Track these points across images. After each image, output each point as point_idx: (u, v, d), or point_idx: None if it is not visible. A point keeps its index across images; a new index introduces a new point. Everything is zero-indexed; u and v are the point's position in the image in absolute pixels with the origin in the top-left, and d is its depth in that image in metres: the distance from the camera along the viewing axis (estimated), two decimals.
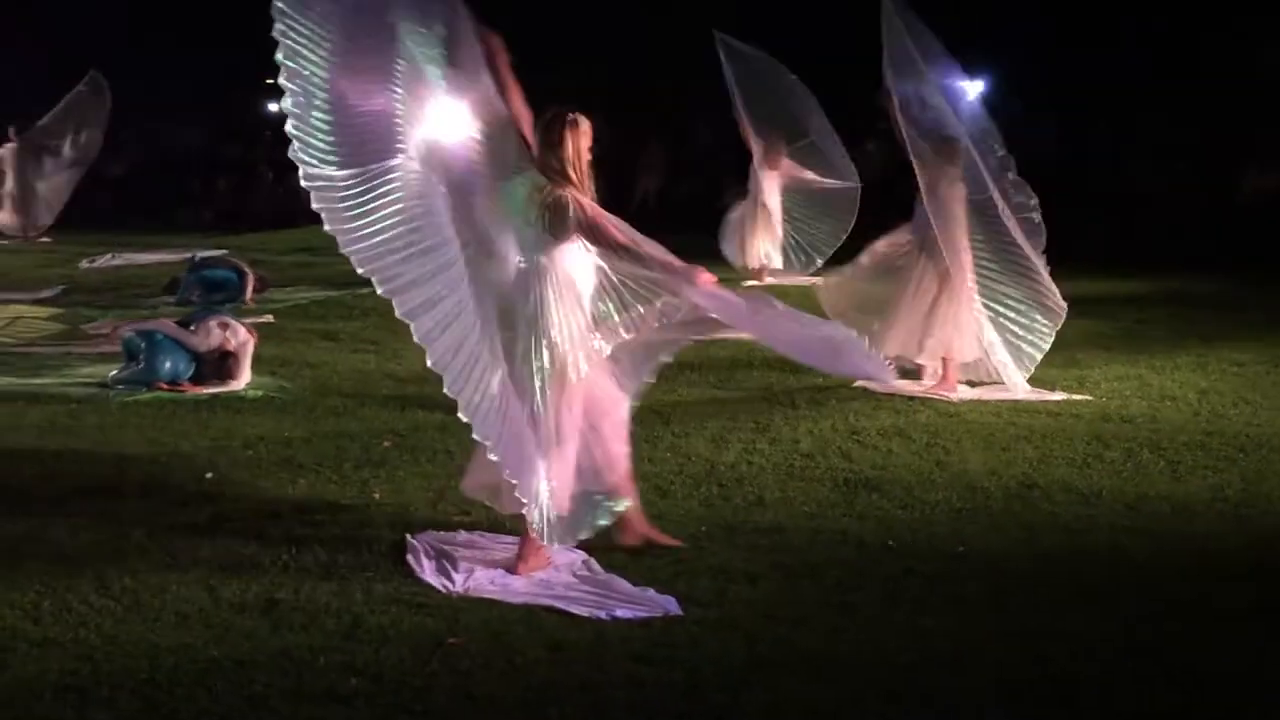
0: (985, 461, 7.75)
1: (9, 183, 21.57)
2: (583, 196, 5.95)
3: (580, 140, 5.99)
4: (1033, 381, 9.77)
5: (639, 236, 6.02)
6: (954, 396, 9.46)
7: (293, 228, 23.16)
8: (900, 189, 10.22)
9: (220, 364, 9.95)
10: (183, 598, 5.60)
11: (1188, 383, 9.97)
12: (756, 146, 16.44)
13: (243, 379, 10.00)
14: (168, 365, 9.89)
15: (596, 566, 5.99)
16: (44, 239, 21.51)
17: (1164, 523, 6.69)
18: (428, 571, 5.92)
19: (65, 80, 22.89)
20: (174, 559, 6.06)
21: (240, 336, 10.14)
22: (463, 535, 6.43)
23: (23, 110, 21.98)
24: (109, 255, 18.81)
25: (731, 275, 16.12)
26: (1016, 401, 9.30)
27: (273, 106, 32.75)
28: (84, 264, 18.38)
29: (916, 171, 9.55)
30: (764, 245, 16.57)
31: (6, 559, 6.02)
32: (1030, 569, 6.01)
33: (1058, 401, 9.31)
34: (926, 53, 9.79)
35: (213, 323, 10.19)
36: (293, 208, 24.69)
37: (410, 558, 6.06)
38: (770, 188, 16.44)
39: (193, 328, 10.14)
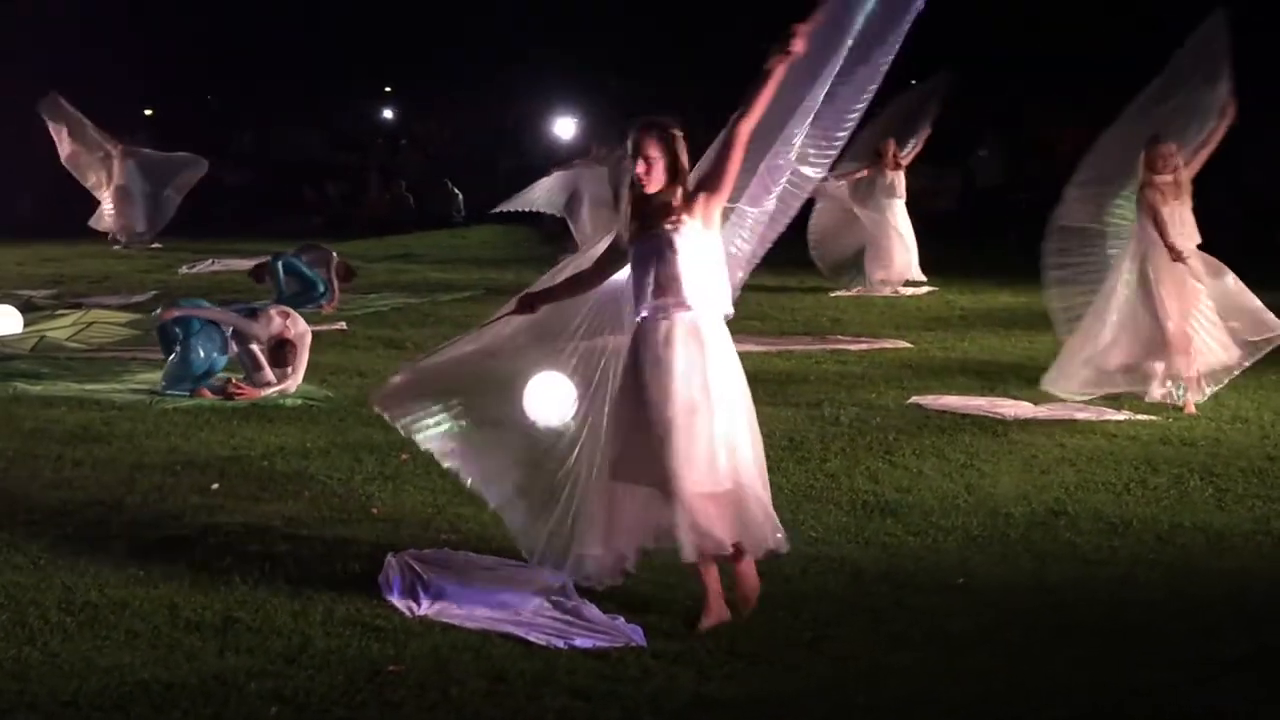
0: (1018, 485, 7.34)
1: (119, 188, 21.95)
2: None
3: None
4: (1097, 400, 9.29)
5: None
6: (1008, 414, 9.02)
7: (398, 234, 23.41)
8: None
9: (278, 351, 9.91)
10: (141, 615, 5.49)
11: (1266, 404, 9.37)
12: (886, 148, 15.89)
13: (299, 372, 9.99)
14: (202, 354, 9.94)
15: (572, 592, 5.73)
16: (155, 244, 21.87)
17: (1193, 556, 6.24)
18: (396, 592, 5.74)
19: (184, 86, 23.46)
20: (148, 573, 5.96)
21: (300, 327, 10.14)
22: (447, 554, 6.24)
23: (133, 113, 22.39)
24: (209, 260, 19.03)
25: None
26: (1074, 421, 8.84)
27: (386, 114, 33.40)
28: (184, 269, 18.63)
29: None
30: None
31: None
32: (1030, 604, 5.62)
33: (1118, 421, 8.82)
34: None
35: (274, 311, 10.21)
36: (400, 214, 25.01)
37: (382, 577, 5.88)
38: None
39: (255, 313, 10.14)
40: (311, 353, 10.41)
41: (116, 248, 21.68)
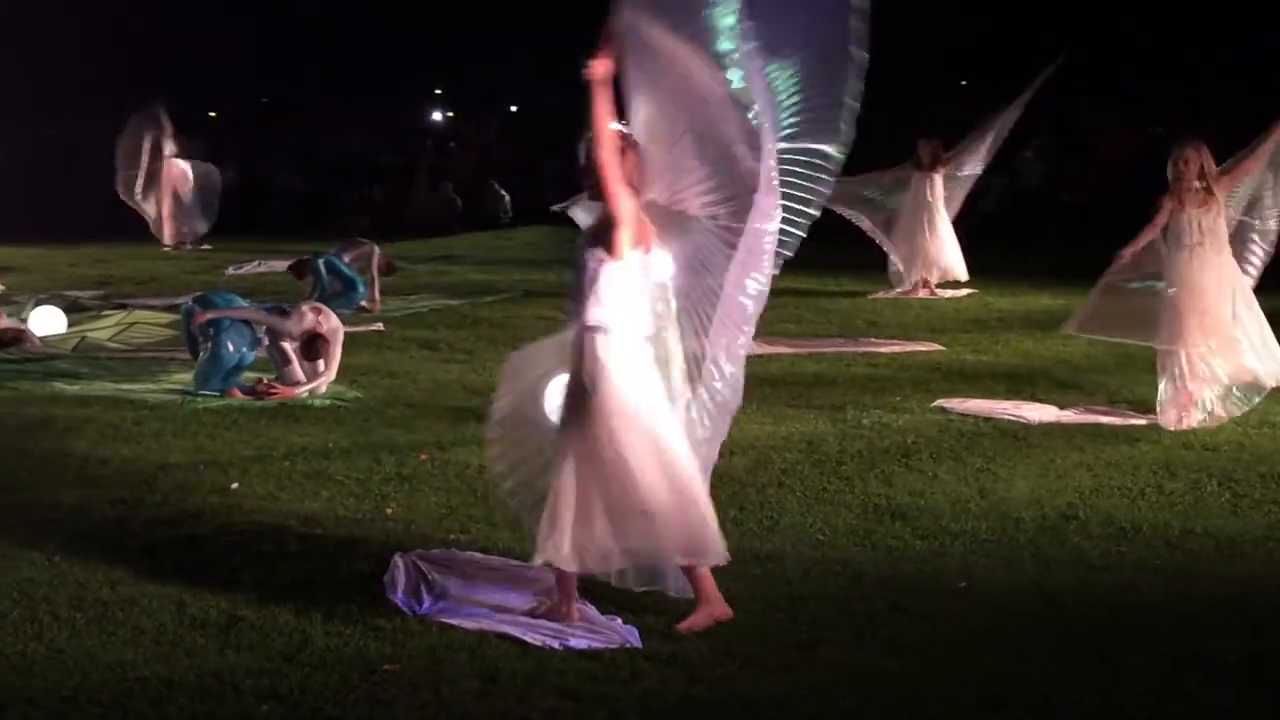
0: (1032, 490, 7.31)
1: (168, 193, 22.24)
2: None
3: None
4: (1126, 403, 9.24)
5: None
6: (1033, 418, 8.98)
7: (444, 235, 23.55)
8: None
9: (310, 346, 10.01)
10: (150, 611, 5.59)
11: None
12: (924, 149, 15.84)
13: (331, 370, 10.10)
14: (231, 348, 10.06)
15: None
16: (205, 245, 22.12)
17: (1200, 561, 6.20)
18: (399, 592, 5.79)
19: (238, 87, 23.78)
20: (160, 571, 6.06)
21: (332, 323, 10.25)
22: (453, 554, 6.30)
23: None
24: (255, 261, 19.23)
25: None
26: (1098, 425, 8.79)
27: (435, 115, 33.62)
28: (229, 270, 18.84)
29: None
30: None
31: (1, 564, 6.10)
32: (1029, 609, 5.61)
33: (1142, 426, 8.76)
34: None
35: (306, 307, 10.35)
36: (446, 215, 25.16)
37: (388, 577, 5.94)
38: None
39: (287, 310, 10.27)
40: (345, 353, 10.53)
41: (166, 249, 21.96)
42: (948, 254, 15.61)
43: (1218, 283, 8.87)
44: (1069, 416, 9.03)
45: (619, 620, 5.48)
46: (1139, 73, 20.68)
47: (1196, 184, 8.78)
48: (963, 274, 15.72)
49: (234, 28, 31.24)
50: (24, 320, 13.01)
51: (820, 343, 12.36)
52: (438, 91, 31.49)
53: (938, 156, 15.69)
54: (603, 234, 5.40)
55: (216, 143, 29.14)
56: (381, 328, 13.44)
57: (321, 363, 10.13)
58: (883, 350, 11.96)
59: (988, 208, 22.29)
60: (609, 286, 5.38)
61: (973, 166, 16.10)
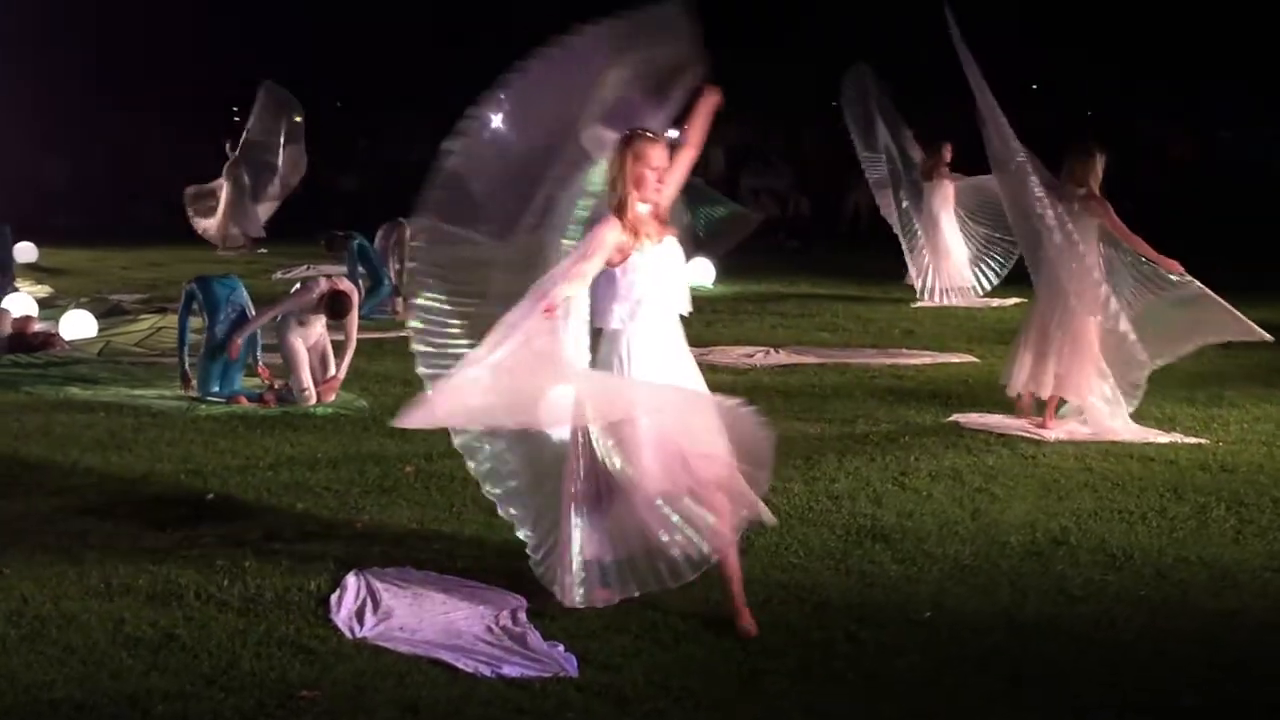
0: (1028, 512, 6.99)
1: (224, 195, 22.35)
2: (600, 227, 5.49)
3: (627, 160, 5.46)
4: (1149, 420, 8.86)
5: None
6: (1050, 435, 8.63)
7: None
8: None
9: (335, 304, 9.95)
10: (86, 629, 5.46)
11: None
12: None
13: (342, 368, 10.06)
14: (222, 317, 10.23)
15: (522, 618, 5.58)
16: (261, 250, 22.18)
17: (1187, 593, 5.86)
18: (342, 612, 5.65)
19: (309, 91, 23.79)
20: (108, 586, 5.94)
21: (346, 285, 10.24)
22: (409, 572, 6.13)
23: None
24: (304, 266, 19.22)
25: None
26: (1115, 443, 8.42)
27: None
28: (277, 274, 18.84)
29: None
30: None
31: None
32: (990, 642, 5.31)
33: (1162, 444, 8.39)
34: None
35: (319, 276, 10.44)
36: None
37: (335, 596, 5.79)
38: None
39: (300, 288, 10.24)
40: (362, 358, 10.44)
41: (221, 253, 22.05)
42: (952, 262, 15.28)
43: None
44: (1087, 432, 8.66)
45: (561, 647, 5.26)
46: (1201, 77, 20.17)
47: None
48: (968, 281, 15.39)
49: (306, 32, 31.43)
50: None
51: (849, 353, 12.05)
52: (501, 97, 31.44)
53: (936, 164, 15.39)
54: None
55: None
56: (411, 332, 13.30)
57: (332, 364, 10.04)
58: (912, 362, 11.65)
59: None
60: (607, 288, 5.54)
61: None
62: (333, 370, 10.06)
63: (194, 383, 10.14)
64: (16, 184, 26.78)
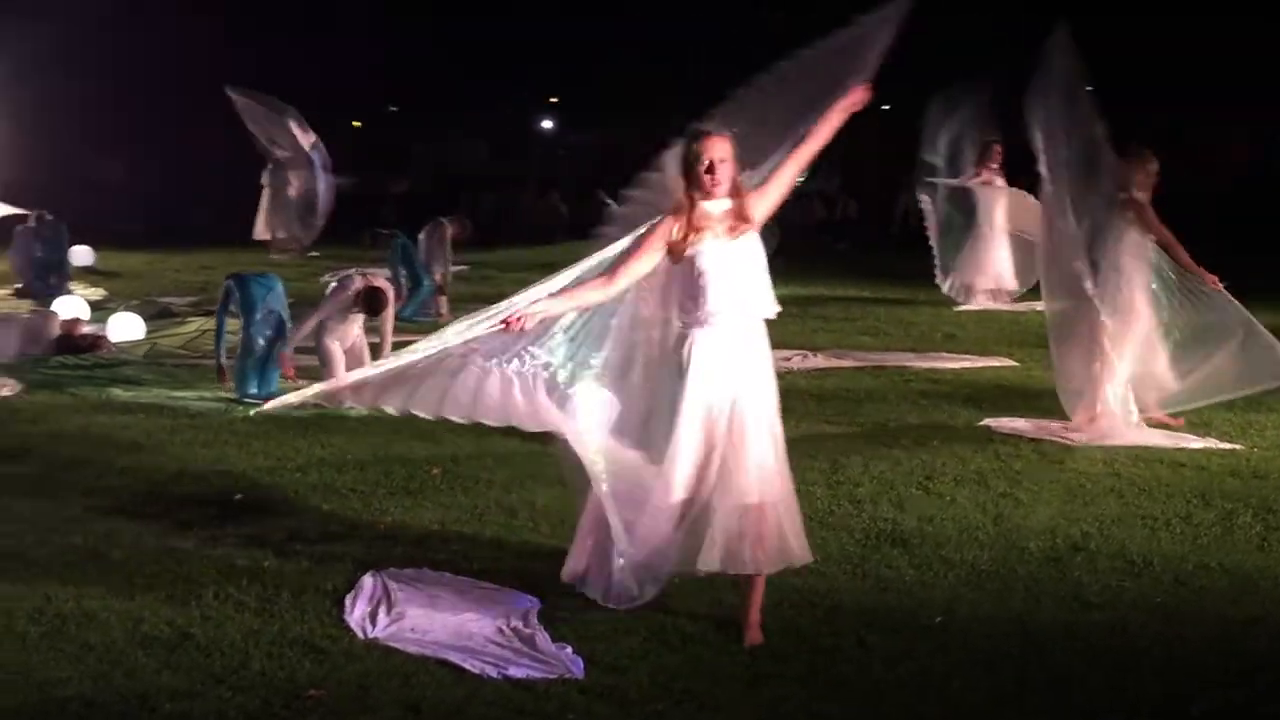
0: (1051, 517, 6.94)
1: (264, 200, 22.54)
2: (656, 223, 5.48)
3: (686, 156, 5.42)
4: (1184, 426, 8.78)
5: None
6: (1078, 438, 8.56)
7: (548, 244, 23.49)
8: None
9: (371, 300, 10.06)
10: (104, 627, 5.54)
11: None
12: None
13: (387, 329, 10.24)
14: (261, 342, 10.35)
15: (534, 619, 5.61)
16: (311, 253, 22.35)
17: (1207, 600, 5.80)
18: (356, 612, 5.69)
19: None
20: (130, 585, 6.02)
21: (381, 282, 10.38)
22: (425, 573, 6.18)
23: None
24: (352, 269, 19.29)
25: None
26: (1146, 447, 8.34)
27: (545, 124, 33.68)
28: (325, 278, 18.94)
29: None
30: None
31: None
32: (1001, 648, 5.27)
33: (1195, 450, 8.30)
34: None
35: (354, 272, 10.54)
36: (553, 223, 25.13)
37: (350, 596, 5.84)
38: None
39: (336, 288, 10.36)
40: None
41: (273, 256, 22.23)
42: (997, 263, 15.18)
43: None
44: (1118, 437, 8.57)
45: (569, 649, 5.28)
46: (1257, 83, 19.93)
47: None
48: (1010, 284, 15.29)
49: (362, 35, 31.72)
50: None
51: (887, 357, 12.00)
52: (553, 100, 31.64)
53: (984, 163, 15.28)
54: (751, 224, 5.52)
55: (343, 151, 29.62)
56: None
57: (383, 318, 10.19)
58: (950, 366, 11.59)
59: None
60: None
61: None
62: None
63: (229, 379, 10.28)
64: (77, 187, 27.26)
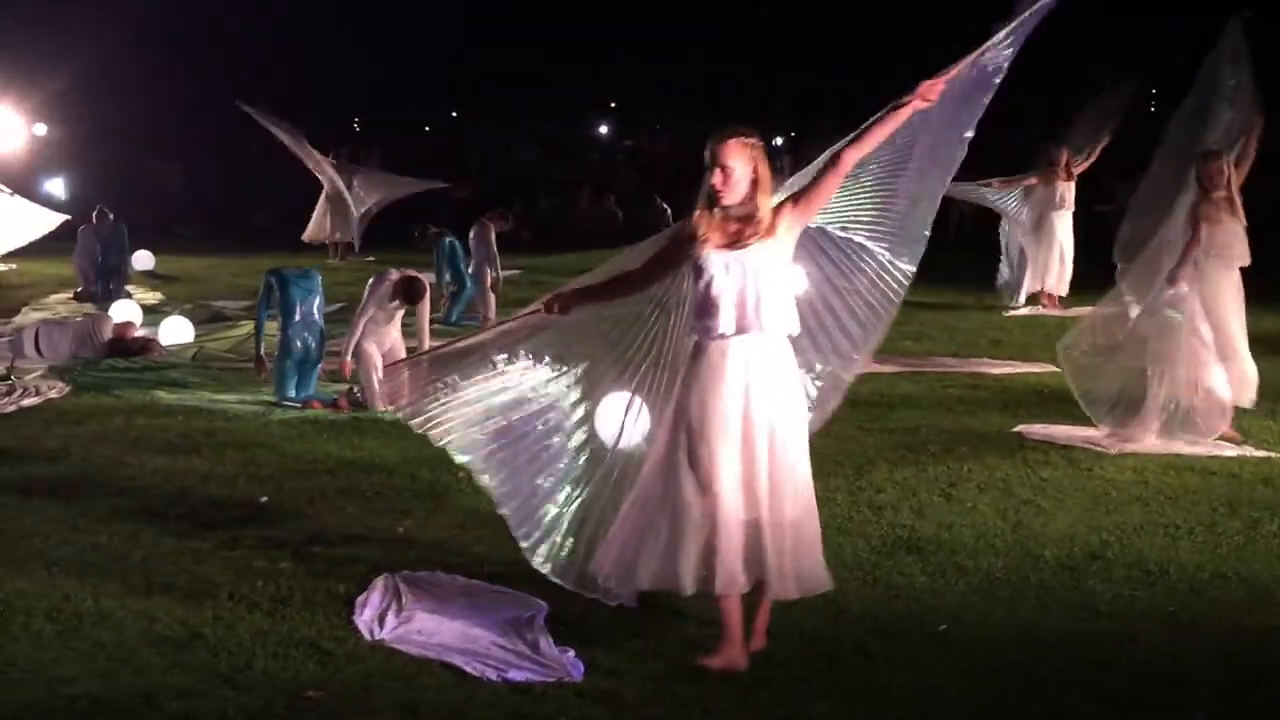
0: (1071, 525, 6.88)
1: (320, 204, 22.75)
2: (685, 223, 5.41)
3: (706, 158, 5.26)
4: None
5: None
6: (1113, 448, 8.47)
7: (603, 248, 23.54)
8: None
9: (410, 288, 10.19)
10: (118, 626, 5.63)
11: None
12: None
13: (424, 324, 10.38)
14: (298, 344, 10.48)
15: (540, 623, 5.63)
16: (369, 258, 22.53)
17: (1220, 611, 5.72)
18: (366, 614, 5.75)
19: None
20: (149, 585, 6.11)
21: (416, 273, 10.54)
22: (437, 576, 6.23)
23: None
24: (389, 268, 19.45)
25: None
26: (1179, 456, 8.24)
27: (602, 129, 33.71)
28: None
29: None
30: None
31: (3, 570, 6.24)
32: (1004, 658, 5.23)
33: (1229, 458, 8.20)
34: None
35: (392, 270, 10.57)
36: (608, 227, 25.17)
37: (361, 597, 5.90)
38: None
39: (370, 281, 10.50)
40: None
41: (331, 261, 22.43)
42: (1063, 266, 15.05)
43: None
44: (1149, 444, 8.47)
45: (571, 652, 5.31)
46: None
47: (1224, 193, 8.61)
48: (1063, 290, 15.19)
49: (425, 44, 31.99)
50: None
51: (928, 362, 11.93)
52: (612, 104, 31.74)
53: (1070, 163, 15.12)
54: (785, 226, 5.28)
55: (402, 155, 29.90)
56: None
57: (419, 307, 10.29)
58: (991, 371, 11.51)
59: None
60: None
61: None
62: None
63: (269, 368, 10.40)
64: (140, 191, 27.65)
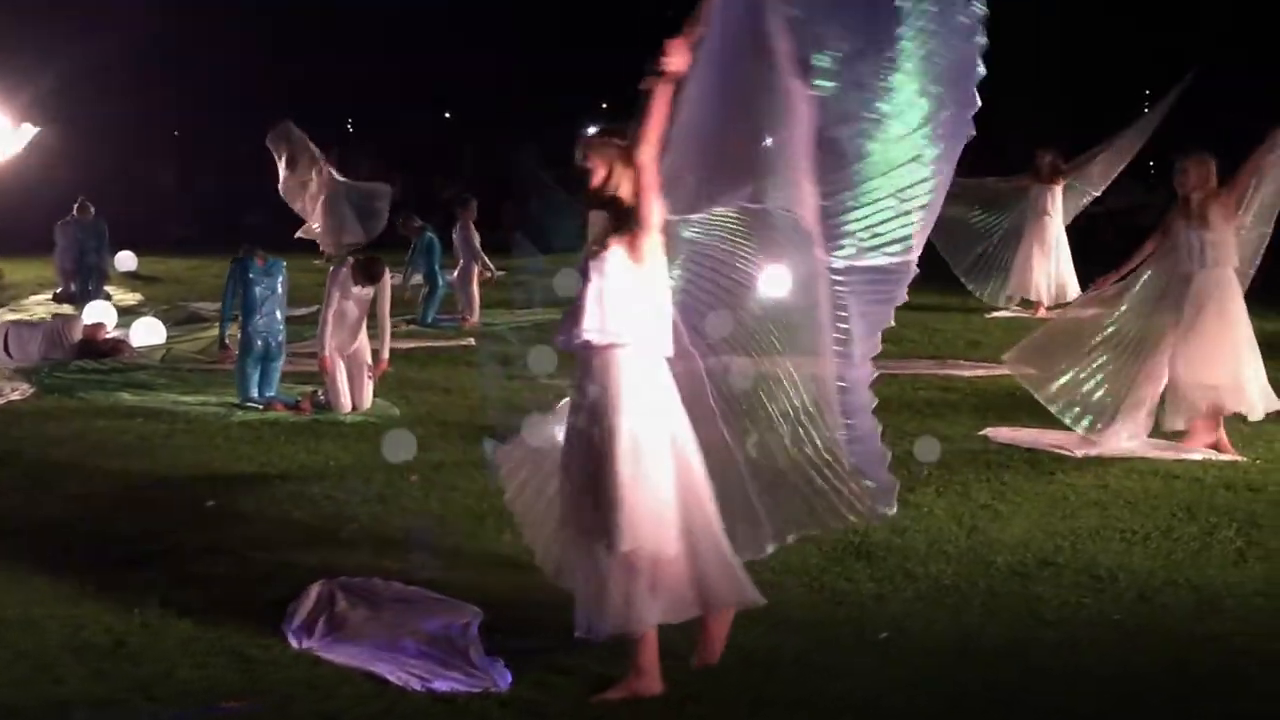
0: (1027, 530, 6.76)
1: (324, 200, 22.62)
2: None
3: None
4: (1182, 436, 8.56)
5: None
6: (1078, 451, 8.34)
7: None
8: None
9: (367, 267, 10.14)
10: (44, 633, 5.52)
11: None
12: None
13: (384, 308, 10.28)
14: (259, 344, 10.32)
15: (473, 631, 5.49)
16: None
17: (1167, 618, 5.59)
18: (295, 622, 5.62)
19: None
20: (81, 592, 6.01)
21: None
22: (374, 583, 6.08)
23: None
24: (395, 279, 19.34)
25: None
26: (1144, 459, 8.12)
27: (590, 130, 33.30)
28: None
29: None
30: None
31: None
32: (939, 668, 5.10)
33: (1193, 461, 8.07)
34: None
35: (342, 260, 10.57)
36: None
37: (293, 605, 5.77)
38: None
39: (330, 270, 10.54)
40: (413, 366, 10.58)
41: (318, 262, 22.32)
42: (1061, 272, 14.89)
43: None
44: (1116, 448, 8.34)
45: (500, 662, 5.18)
46: None
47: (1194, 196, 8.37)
48: (1041, 296, 15.04)
49: (418, 45, 31.91)
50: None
51: (904, 364, 11.79)
52: (604, 105, 31.54)
53: (1057, 168, 14.97)
54: (623, 240, 4.82)
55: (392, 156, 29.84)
56: (472, 342, 13.48)
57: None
58: (964, 374, 11.39)
59: (1149, 222, 21.20)
60: (625, 297, 4.80)
61: (1087, 184, 15.33)
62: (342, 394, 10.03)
63: (234, 352, 10.32)
64: (129, 191, 27.55)
